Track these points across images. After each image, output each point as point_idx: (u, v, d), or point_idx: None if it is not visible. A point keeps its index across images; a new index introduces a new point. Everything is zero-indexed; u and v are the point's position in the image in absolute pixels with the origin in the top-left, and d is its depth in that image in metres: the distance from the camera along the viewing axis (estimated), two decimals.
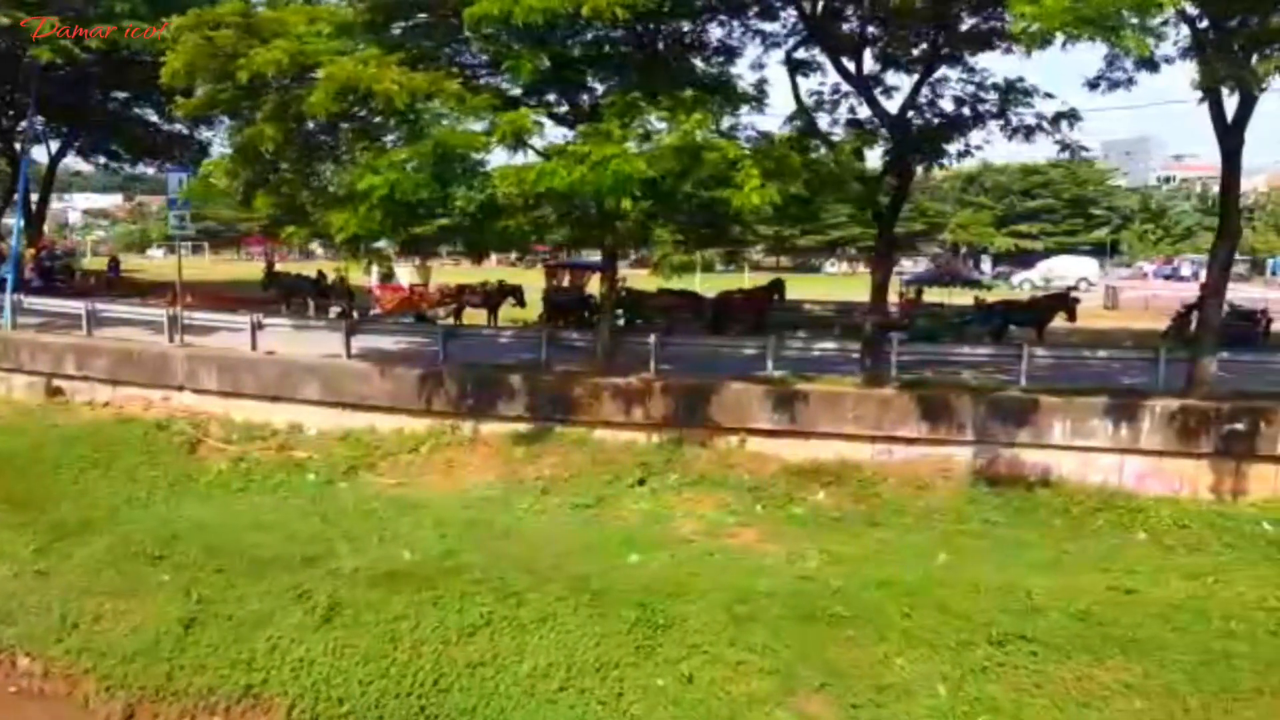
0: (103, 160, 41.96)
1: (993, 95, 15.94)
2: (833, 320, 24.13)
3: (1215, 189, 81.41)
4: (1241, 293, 42.57)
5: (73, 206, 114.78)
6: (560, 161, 12.06)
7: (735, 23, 18.39)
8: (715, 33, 18.63)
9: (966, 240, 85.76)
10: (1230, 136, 14.39)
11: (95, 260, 54.85)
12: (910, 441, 15.61)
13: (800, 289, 33.25)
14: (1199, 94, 13.55)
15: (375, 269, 25.92)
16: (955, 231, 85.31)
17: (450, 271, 34.62)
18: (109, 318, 22.38)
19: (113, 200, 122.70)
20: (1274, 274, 56.47)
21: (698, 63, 18.31)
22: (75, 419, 18.73)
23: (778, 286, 24.17)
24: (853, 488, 15.35)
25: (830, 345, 18.10)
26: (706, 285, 28.94)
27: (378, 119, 13.44)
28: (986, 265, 79.10)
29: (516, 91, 17.18)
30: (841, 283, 55.57)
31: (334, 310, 24.01)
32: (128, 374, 19.40)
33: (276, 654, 11.67)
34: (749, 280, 38.07)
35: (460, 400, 17.51)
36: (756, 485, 15.59)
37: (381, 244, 16.11)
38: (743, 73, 18.79)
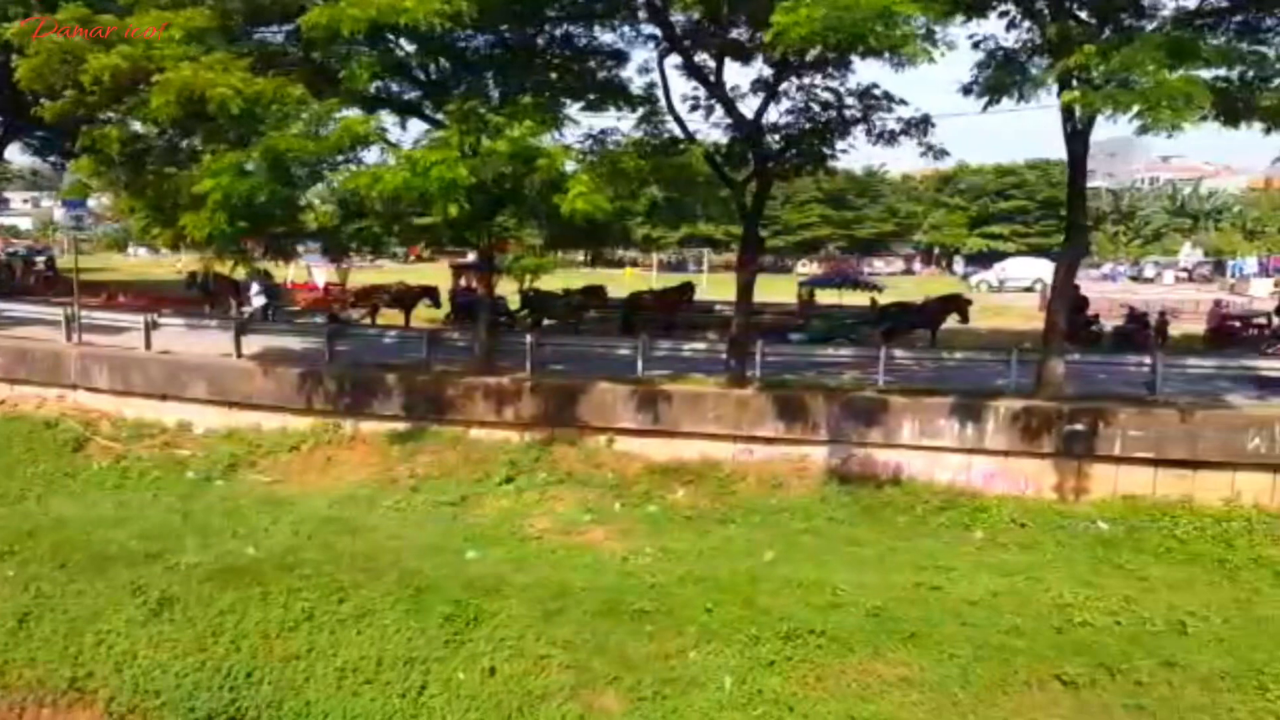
0: (54, 158, 41.96)
1: (853, 101, 16.21)
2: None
3: (1186, 190, 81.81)
4: (1179, 294, 42.96)
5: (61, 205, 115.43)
6: (388, 167, 12.33)
7: (626, 27, 18.61)
8: (606, 37, 18.82)
9: (940, 241, 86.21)
10: (1075, 143, 14.64)
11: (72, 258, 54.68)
12: (769, 441, 15.87)
13: (765, 291, 33.27)
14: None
15: (292, 268, 26.45)
16: (929, 232, 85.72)
17: (372, 272, 34.92)
18: (25, 317, 22.57)
19: (101, 199, 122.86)
20: (1234, 276, 56.59)
21: (592, 65, 18.56)
22: None
23: (687, 288, 24.45)
24: (712, 486, 15.63)
25: (701, 346, 18.30)
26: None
27: (218, 123, 13.62)
28: (959, 265, 79.58)
29: (413, 95, 17.51)
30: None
31: (246, 309, 24.24)
32: (23, 373, 19.60)
33: (103, 648, 11.95)
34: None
35: (341, 399, 17.75)
36: (620, 484, 15.87)
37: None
38: (632, 76, 18.94)
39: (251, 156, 12.66)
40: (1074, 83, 11.07)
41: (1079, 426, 14.58)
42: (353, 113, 15.69)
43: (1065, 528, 14.10)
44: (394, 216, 15.02)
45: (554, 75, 17.90)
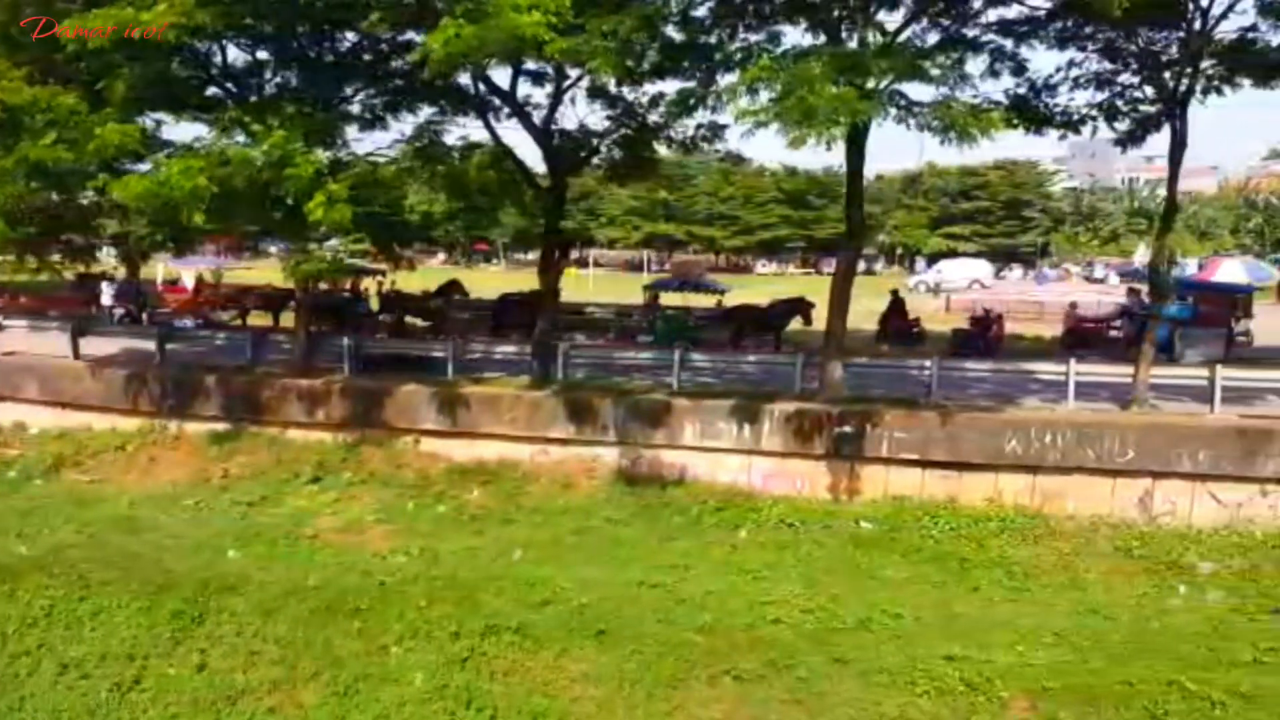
0: None
1: (650, 109, 16.52)
2: (609, 323, 24.72)
3: (1145, 191, 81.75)
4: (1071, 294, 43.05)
5: None
6: (136, 175, 12.65)
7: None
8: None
9: (902, 241, 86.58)
10: (852, 150, 14.91)
11: None
12: (564, 442, 16.17)
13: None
14: None
15: (161, 270, 26.76)
16: (891, 233, 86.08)
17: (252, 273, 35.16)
18: None
19: None
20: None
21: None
22: None
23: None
24: (507, 486, 15.92)
25: (511, 348, 18.61)
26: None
27: None
28: (921, 265, 79.93)
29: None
30: (770, 282, 56.08)
31: (118, 311, 24.57)
32: None
33: None
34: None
35: (166, 400, 18.09)
36: (420, 484, 16.16)
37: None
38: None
39: (6, 165, 12.98)
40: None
41: (848, 428, 14.86)
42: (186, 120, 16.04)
43: (830, 528, 14.35)
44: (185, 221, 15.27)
45: (400, 81, 18.27)
